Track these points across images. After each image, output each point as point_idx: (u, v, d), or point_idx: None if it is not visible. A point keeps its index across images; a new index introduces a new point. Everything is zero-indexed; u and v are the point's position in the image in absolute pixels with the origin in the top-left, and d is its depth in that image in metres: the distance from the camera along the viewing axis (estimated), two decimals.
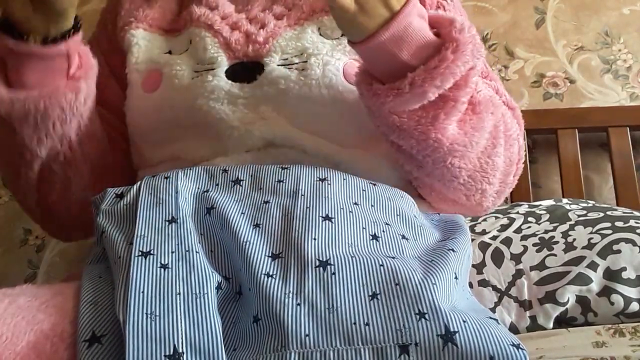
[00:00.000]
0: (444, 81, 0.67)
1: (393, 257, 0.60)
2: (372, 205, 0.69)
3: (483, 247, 1.00)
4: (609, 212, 1.04)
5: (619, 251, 0.93)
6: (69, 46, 0.72)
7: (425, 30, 0.69)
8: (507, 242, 1.00)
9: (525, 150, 1.36)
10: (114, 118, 0.86)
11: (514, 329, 0.91)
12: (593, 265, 0.92)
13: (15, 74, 0.71)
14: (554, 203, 1.15)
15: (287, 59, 0.78)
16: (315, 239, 0.60)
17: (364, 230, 0.64)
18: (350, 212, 0.65)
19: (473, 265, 0.96)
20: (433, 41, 0.68)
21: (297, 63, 0.77)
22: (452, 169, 0.75)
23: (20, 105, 0.71)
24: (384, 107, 0.70)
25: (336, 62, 0.77)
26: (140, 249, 0.58)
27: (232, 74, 0.78)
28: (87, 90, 0.75)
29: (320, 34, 0.81)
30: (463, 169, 0.76)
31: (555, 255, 0.95)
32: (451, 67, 0.67)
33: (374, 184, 0.73)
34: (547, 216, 1.06)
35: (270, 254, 0.59)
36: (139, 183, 0.68)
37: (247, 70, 0.79)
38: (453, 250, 0.65)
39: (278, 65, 0.78)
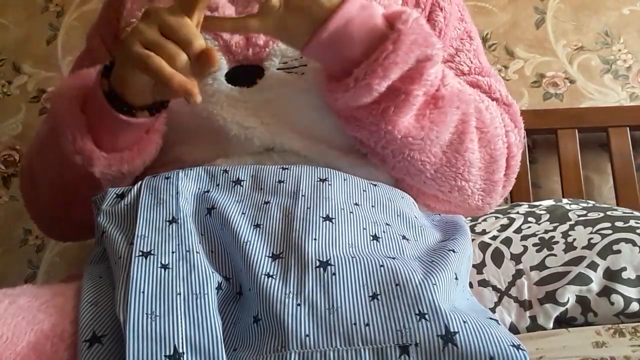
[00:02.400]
0: (386, 72, 0.68)
1: (393, 258, 0.60)
2: (372, 206, 0.69)
3: (483, 247, 1.00)
4: (609, 212, 1.04)
5: (619, 251, 0.93)
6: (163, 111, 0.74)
7: (371, 23, 0.69)
8: (507, 242, 1.00)
9: (525, 150, 1.37)
10: None
11: (514, 329, 0.91)
12: (593, 265, 0.92)
13: (107, 137, 0.73)
14: (554, 203, 1.15)
15: (286, 62, 0.78)
16: (315, 239, 0.60)
17: (365, 230, 0.64)
18: (350, 212, 0.65)
19: (473, 265, 0.96)
20: (379, 36, 0.69)
21: (296, 67, 0.77)
22: (414, 162, 0.76)
23: (116, 169, 0.74)
24: (337, 103, 0.72)
25: None
26: (141, 249, 0.58)
27: (232, 77, 0.78)
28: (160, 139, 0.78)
29: None
30: (427, 163, 0.76)
31: (555, 255, 0.95)
32: (391, 57, 0.67)
33: (375, 185, 0.73)
34: (547, 216, 1.06)
35: (270, 254, 0.59)
36: (139, 183, 0.68)
37: (247, 74, 0.79)
38: (453, 251, 0.65)
39: (278, 69, 0.78)
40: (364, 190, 0.71)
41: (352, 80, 0.69)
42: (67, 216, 0.84)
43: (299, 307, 0.54)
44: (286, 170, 0.70)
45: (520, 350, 0.51)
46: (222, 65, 0.79)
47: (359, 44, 0.69)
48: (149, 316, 0.52)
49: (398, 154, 0.75)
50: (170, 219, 0.62)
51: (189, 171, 0.70)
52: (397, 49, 0.67)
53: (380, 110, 0.71)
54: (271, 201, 0.65)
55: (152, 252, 0.58)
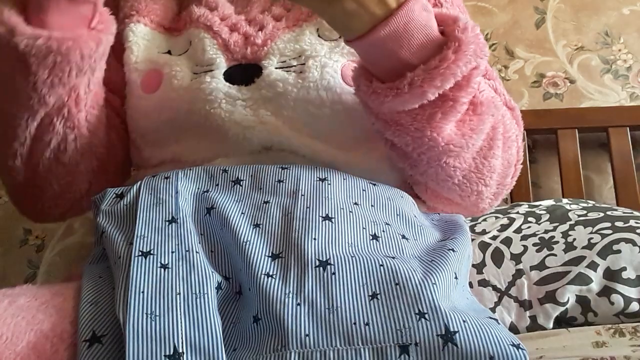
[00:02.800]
0: (444, 82, 0.65)
1: (393, 257, 0.60)
2: (372, 205, 0.69)
3: (483, 247, 1.00)
4: (609, 212, 1.04)
5: (619, 251, 0.93)
6: None
7: (429, 27, 0.66)
8: (507, 242, 1.00)
9: (525, 150, 1.37)
10: (117, 101, 0.85)
11: (514, 329, 0.91)
12: (593, 265, 0.92)
13: (37, 14, 0.67)
14: (554, 203, 1.15)
15: (285, 61, 0.78)
16: (315, 238, 0.60)
17: (364, 230, 0.64)
18: (350, 212, 0.65)
19: (473, 265, 0.96)
20: (436, 39, 0.66)
21: (295, 65, 0.77)
22: (447, 167, 0.74)
23: (42, 43, 0.67)
24: (382, 106, 0.68)
25: (334, 64, 0.77)
26: (140, 249, 0.58)
27: (230, 76, 0.78)
28: (106, 45, 0.72)
29: (319, 35, 0.81)
30: (458, 169, 0.75)
31: (555, 255, 0.95)
32: (452, 67, 0.65)
33: (374, 184, 0.73)
34: (547, 216, 1.06)
35: (270, 254, 0.59)
36: (138, 183, 0.68)
37: (245, 72, 0.78)
38: (453, 250, 0.65)
39: (276, 68, 0.77)
40: (363, 190, 0.71)
41: (405, 85, 0.65)
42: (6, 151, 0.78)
43: (298, 306, 0.54)
44: (286, 170, 0.70)
45: (520, 350, 0.51)
46: (221, 64, 0.79)
47: (415, 46, 0.65)
48: (149, 316, 0.52)
49: (435, 160, 0.73)
50: (170, 218, 0.62)
51: (189, 171, 0.70)
52: (458, 60, 0.65)
53: (426, 116, 0.68)
54: (271, 201, 0.65)
55: (152, 252, 0.58)
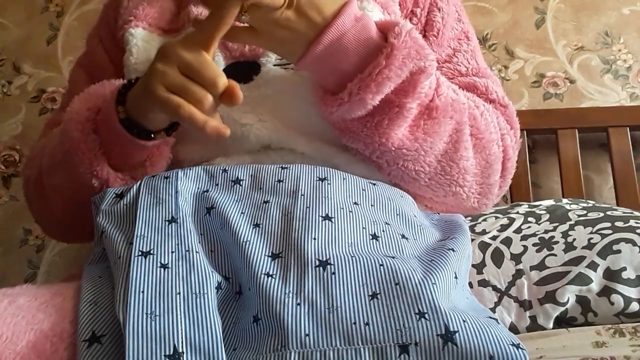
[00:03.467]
0: (379, 86, 0.68)
1: (393, 257, 0.60)
2: (372, 205, 0.69)
3: (483, 247, 1.00)
4: (609, 212, 1.04)
5: (619, 251, 0.93)
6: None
7: (364, 37, 0.69)
8: (507, 242, 1.00)
9: (525, 150, 1.37)
10: None
11: (514, 329, 0.91)
12: (593, 265, 0.92)
13: (121, 158, 0.74)
14: (554, 203, 1.15)
15: (282, 58, 0.78)
16: (315, 238, 0.60)
17: (364, 229, 0.64)
18: (350, 211, 0.65)
19: (473, 265, 0.96)
20: (373, 47, 0.69)
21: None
22: (408, 171, 0.77)
23: (131, 184, 0.73)
24: (332, 116, 0.72)
25: None
26: (140, 249, 0.58)
27: (229, 74, 0.78)
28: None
29: None
30: (421, 172, 0.77)
31: (555, 255, 0.95)
32: (384, 72, 0.68)
33: (374, 184, 0.73)
34: (547, 216, 1.06)
35: (270, 254, 0.59)
36: (138, 183, 0.68)
37: (243, 70, 0.79)
38: (453, 250, 0.65)
39: (274, 65, 0.78)
40: (363, 190, 0.71)
41: (346, 95, 0.69)
42: (81, 224, 0.84)
43: (298, 306, 0.54)
44: (285, 170, 0.70)
45: (519, 350, 0.51)
46: (219, 62, 0.79)
47: (353, 57, 0.69)
48: (149, 316, 0.52)
49: (392, 163, 0.76)
50: (170, 218, 0.62)
51: (188, 171, 0.70)
52: (390, 64, 0.68)
53: (374, 123, 0.72)
54: (270, 200, 0.65)
55: (152, 252, 0.58)
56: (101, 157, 0.73)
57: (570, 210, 1.08)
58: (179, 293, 0.54)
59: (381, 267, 0.57)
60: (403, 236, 0.65)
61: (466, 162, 0.79)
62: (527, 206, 1.14)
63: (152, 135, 0.71)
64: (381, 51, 0.68)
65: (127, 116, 0.70)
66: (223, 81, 0.63)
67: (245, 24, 0.69)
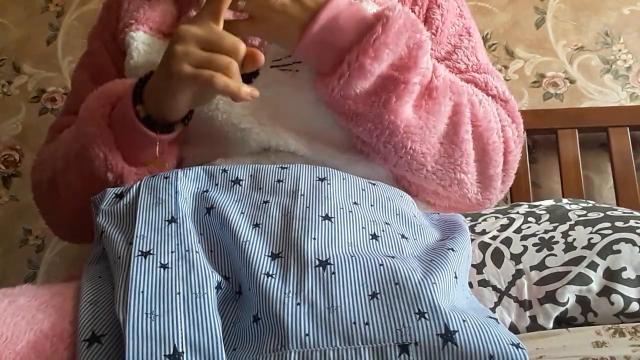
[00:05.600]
0: (377, 52, 0.70)
1: (393, 257, 0.60)
2: (371, 205, 0.69)
3: (483, 247, 1.00)
4: (609, 212, 1.04)
5: (619, 251, 0.93)
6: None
7: (359, 15, 0.72)
8: (507, 242, 1.00)
9: (525, 150, 1.37)
10: None
11: (513, 329, 0.91)
12: (593, 265, 0.92)
13: (135, 153, 0.76)
14: (554, 203, 1.15)
15: (280, 59, 0.78)
16: (315, 238, 0.60)
17: (364, 229, 0.64)
18: (350, 211, 0.65)
19: (473, 265, 0.96)
20: (368, 23, 0.72)
21: (290, 64, 0.78)
22: (415, 155, 0.77)
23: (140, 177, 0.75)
24: (334, 95, 0.73)
25: None
26: (140, 249, 0.58)
27: None
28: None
29: None
30: (427, 154, 0.78)
31: (555, 255, 0.95)
32: (381, 37, 0.70)
33: (374, 184, 0.73)
34: (547, 216, 1.06)
35: (270, 254, 0.59)
36: (138, 183, 0.68)
37: (242, 74, 0.79)
38: (452, 250, 0.65)
39: (271, 67, 0.78)
40: (363, 190, 0.71)
41: (345, 65, 0.71)
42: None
43: (298, 306, 0.54)
44: (285, 170, 0.70)
45: (519, 349, 0.51)
46: None
47: (349, 34, 0.71)
48: (149, 316, 0.52)
49: (400, 148, 0.76)
50: (170, 218, 0.62)
51: (188, 171, 0.70)
52: (387, 31, 0.70)
53: (382, 102, 0.73)
54: (270, 200, 0.65)
55: (152, 252, 0.58)
56: (116, 151, 0.75)
57: (570, 210, 1.08)
58: (179, 293, 0.54)
59: (381, 267, 0.57)
60: (403, 236, 0.65)
61: (467, 145, 0.79)
62: (527, 206, 1.14)
63: (171, 128, 0.73)
64: (377, 23, 0.71)
65: (147, 113, 0.72)
66: (242, 46, 0.67)
67: (243, 16, 0.72)
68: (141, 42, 0.85)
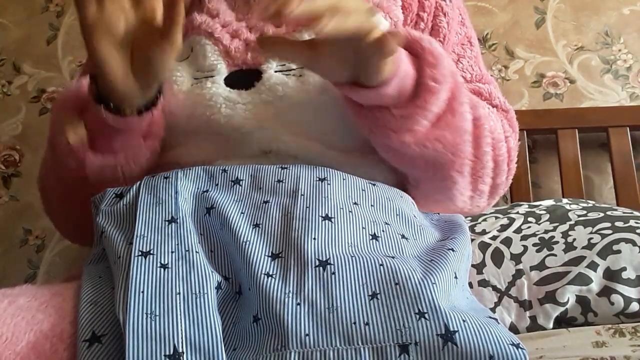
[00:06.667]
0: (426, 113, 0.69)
1: (393, 257, 0.60)
2: (371, 205, 0.69)
3: (483, 247, 1.00)
4: (609, 212, 1.04)
5: (619, 251, 0.93)
6: (156, 111, 0.73)
7: (408, 73, 0.69)
8: (507, 242, 1.00)
9: (525, 150, 1.37)
10: None
11: (514, 329, 0.91)
12: (593, 265, 0.92)
13: (102, 140, 0.73)
14: (554, 203, 1.15)
15: (284, 64, 0.78)
16: (315, 238, 0.60)
17: (364, 230, 0.64)
18: (350, 211, 0.65)
19: (473, 265, 0.96)
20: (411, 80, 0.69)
21: (294, 69, 0.77)
22: (446, 145, 0.74)
23: (110, 171, 0.74)
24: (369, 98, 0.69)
25: None
26: (140, 249, 0.58)
27: (231, 81, 0.78)
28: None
29: None
30: (460, 145, 0.75)
31: (555, 255, 0.95)
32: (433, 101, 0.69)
33: (374, 184, 0.73)
34: (547, 216, 1.06)
35: (270, 254, 0.59)
36: (138, 183, 0.68)
37: (245, 78, 0.79)
38: (453, 250, 0.65)
39: (275, 71, 0.78)
40: (363, 190, 0.71)
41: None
42: (84, 225, 0.84)
43: (298, 306, 0.54)
44: (285, 170, 0.70)
45: (519, 349, 0.51)
46: (222, 69, 0.79)
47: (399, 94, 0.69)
48: (149, 316, 0.52)
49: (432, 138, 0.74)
50: (170, 218, 0.62)
51: (188, 171, 0.70)
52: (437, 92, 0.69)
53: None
54: (270, 200, 0.65)
55: (152, 252, 0.58)
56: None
57: (570, 210, 1.08)
58: (179, 293, 0.54)
59: (381, 267, 0.57)
60: (403, 236, 0.65)
61: (488, 158, 0.78)
62: (527, 206, 1.14)
63: (124, 111, 0.70)
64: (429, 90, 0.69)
65: (99, 92, 0.69)
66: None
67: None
68: None
